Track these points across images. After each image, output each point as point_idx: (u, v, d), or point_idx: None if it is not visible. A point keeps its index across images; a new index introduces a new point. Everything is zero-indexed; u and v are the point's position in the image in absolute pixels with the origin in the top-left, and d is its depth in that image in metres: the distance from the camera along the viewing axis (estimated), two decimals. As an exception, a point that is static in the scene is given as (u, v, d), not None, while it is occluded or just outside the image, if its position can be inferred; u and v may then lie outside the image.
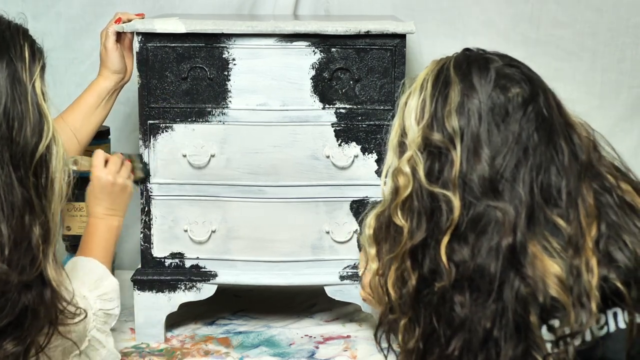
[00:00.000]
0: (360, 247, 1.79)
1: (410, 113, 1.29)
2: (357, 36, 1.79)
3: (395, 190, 1.28)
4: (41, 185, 1.39)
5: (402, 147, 1.30)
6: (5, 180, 1.34)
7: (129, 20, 1.82)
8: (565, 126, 1.27)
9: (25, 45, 1.41)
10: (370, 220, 1.34)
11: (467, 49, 1.32)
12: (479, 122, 1.23)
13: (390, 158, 1.32)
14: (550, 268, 1.19)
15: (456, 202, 1.21)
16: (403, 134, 1.30)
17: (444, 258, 1.22)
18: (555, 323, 1.21)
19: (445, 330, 1.23)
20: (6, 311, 1.35)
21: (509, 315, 1.19)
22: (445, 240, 1.22)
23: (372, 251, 1.34)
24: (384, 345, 1.35)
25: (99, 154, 1.77)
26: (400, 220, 1.27)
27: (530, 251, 1.20)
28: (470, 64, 1.27)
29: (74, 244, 2.01)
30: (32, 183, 1.37)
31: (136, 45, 1.81)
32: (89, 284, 1.62)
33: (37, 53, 1.43)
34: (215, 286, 1.89)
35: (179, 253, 1.88)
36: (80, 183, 1.85)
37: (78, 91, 2.13)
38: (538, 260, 1.20)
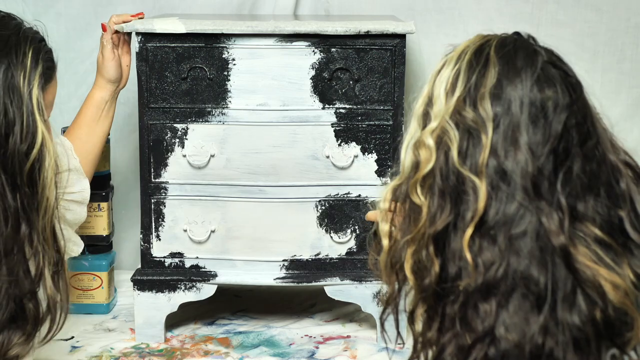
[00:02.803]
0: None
1: (441, 82, 1.19)
2: (357, 36, 1.79)
3: (416, 164, 1.17)
4: (32, 195, 1.39)
5: (426, 117, 1.19)
6: None
7: (124, 22, 1.82)
8: (604, 148, 1.19)
9: (29, 53, 1.40)
10: (387, 193, 1.22)
11: (516, 33, 1.23)
12: (520, 111, 1.14)
13: (414, 128, 1.20)
14: (608, 276, 1.11)
15: (482, 190, 1.12)
16: (429, 103, 1.20)
17: (467, 254, 1.12)
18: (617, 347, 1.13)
19: (468, 334, 1.13)
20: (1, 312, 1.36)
21: (566, 331, 1.10)
22: (468, 232, 1.13)
23: (386, 227, 1.23)
24: (392, 333, 1.27)
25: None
26: (419, 197, 1.16)
27: (577, 256, 1.12)
28: (517, 49, 1.18)
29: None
30: (24, 192, 1.37)
31: (136, 45, 1.81)
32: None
33: (40, 62, 1.42)
34: (215, 286, 1.89)
35: (179, 253, 1.88)
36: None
37: (78, 91, 2.14)
38: (586, 268, 1.11)
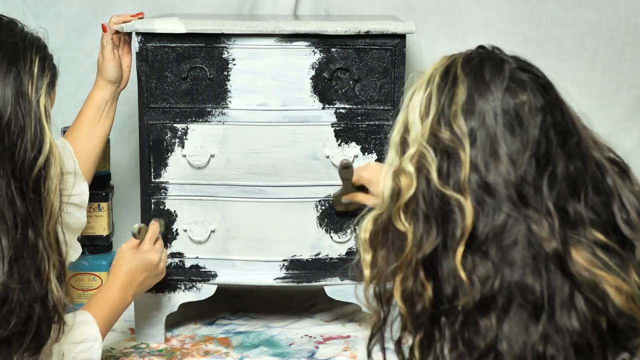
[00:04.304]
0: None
1: (414, 108, 1.19)
2: (357, 36, 1.79)
3: (398, 192, 1.17)
4: (38, 202, 1.39)
5: (404, 144, 1.19)
6: (6, 193, 1.35)
7: (124, 22, 1.82)
8: (586, 145, 1.18)
9: (36, 60, 1.42)
10: (367, 223, 1.22)
11: (481, 47, 1.24)
12: (494, 122, 1.13)
13: (392, 157, 1.21)
14: (613, 282, 1.10)
15: (468, 207, 1.12)
16: (405, 130, 1.20)
17: (462, 273, 1.11)
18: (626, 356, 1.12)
19: (472, 352, 1.12)
20: (13, 322, 1.36)
21: (566, 337, 1.09)
22: (459, 251, 1.11)
23: (367, 257, 1.22)
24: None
25: (156, 230, 1.80)
26: (403, 224, 1.16)
27: (574, 260, 1.11)
28: (483, 62, 1.18)
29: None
30: (30, 198, 1.38)
31: (136, 45, 1.81)
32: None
33: (47, 69, 1.43)
34: (215, 286, 1.89)
35: (179, 253, 1.88)
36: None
37: (78, 91, 2.14)
38: (586, 272, 1.10)
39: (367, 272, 1.22)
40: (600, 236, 1.13)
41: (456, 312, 1.13)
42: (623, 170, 1.21)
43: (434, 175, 1.14)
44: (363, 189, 1.80)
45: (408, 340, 1.21)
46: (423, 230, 1.14)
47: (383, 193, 1.21)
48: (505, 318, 1.10)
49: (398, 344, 1.22)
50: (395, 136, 1.22)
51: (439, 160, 1.15)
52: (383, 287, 1.20)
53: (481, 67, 1.18)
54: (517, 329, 1.10)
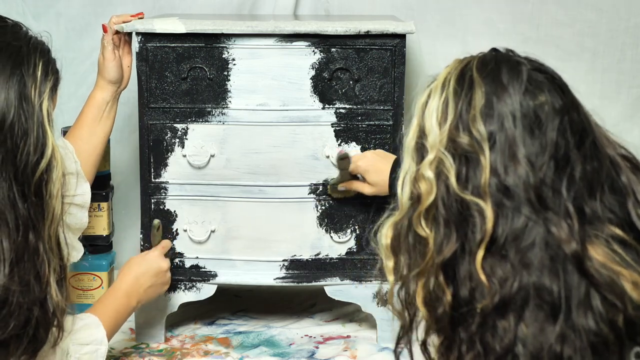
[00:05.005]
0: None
1: (431, 114, 1.18)
2: (357, 36, 1.79)
3: (418, 198, 1.17)
4: (40, 205, 1.39)
5: (420, 150, 1.19)
6: (8, 195, 1.35)
7: (124, 22, 1.82)
8: (601, 143, 1.19)
9: (40, 64, 1.42)
10: (387, 230, 1.22)
11: (494, 49, 1.23)
12: (513, 125, 1.14)
13: (408, 162, 1.21)
14: (629, 276, 1.10)
15: (488, 211, 1.12)
16: (422, 136, 1.19)
17: (482, 276, 1.11)
18: None
19: (488, 354, 1.12)
20: (12, 324, 1.36)
21: (583, 337, 1.09)
22: (480, 254, 1.12)
23: (390, 263, 1.22)
24: None
25: (168, 244, 1.85)
26: (424, 230, 1.16)
27: (592, 258, 1.11)
28: (499, 65, 1.18)
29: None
30: (32, 202, 1.38)
31: (136, 45, 1.81)
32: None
33: (50, 73, 1.44)
34: (215, 286, 1.89)
35: (179, 253, 1.88)
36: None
37: (78, 91, 2.14)
38: (603, 269, 1.10)
39: (390, 278, 1.23)
40: (617, 231, 1.13)
41: (474, 314, 1.13)
42: (635, 166, 1.22)
43: (452, 180, 1.14)
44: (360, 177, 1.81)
45: (434, 341, 1.21)
46: (443, 235, 1.15)
47: (402, 199, 1.21)
48: (522, 319, 1.11)
49: (424, 345, 1.22)
50: (410, 141, 1.21)
51: (458, 166, 1.15)
52: (407, 291, 1.20)
53: (498, 70, 1.18)
54: (534, 330, 1.10)
